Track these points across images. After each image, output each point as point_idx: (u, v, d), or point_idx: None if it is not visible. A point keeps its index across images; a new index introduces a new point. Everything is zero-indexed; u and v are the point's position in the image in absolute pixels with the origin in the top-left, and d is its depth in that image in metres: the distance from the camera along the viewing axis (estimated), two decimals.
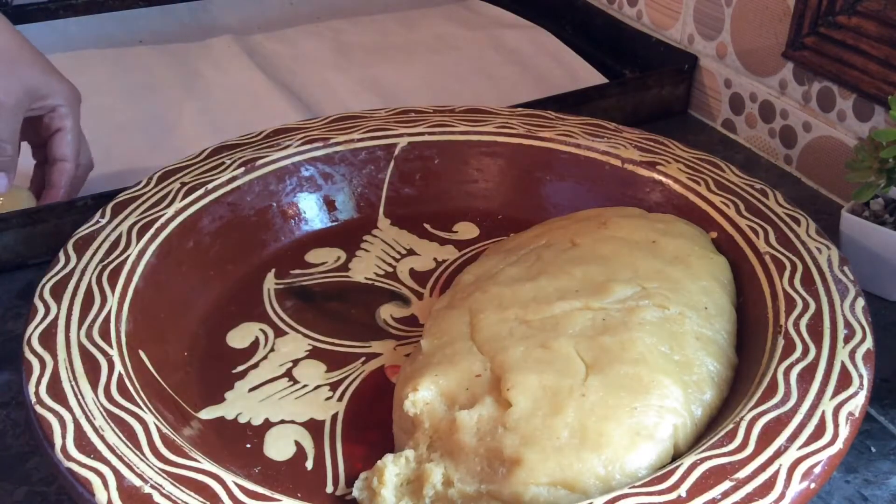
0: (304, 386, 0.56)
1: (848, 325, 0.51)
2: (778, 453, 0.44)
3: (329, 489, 0.49)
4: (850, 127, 0.75)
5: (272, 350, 0.59)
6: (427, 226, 0.70)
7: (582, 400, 0.46)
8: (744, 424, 0.45)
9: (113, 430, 0.45)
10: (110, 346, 0.51)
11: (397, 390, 0.52)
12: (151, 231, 0.60)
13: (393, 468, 0.46)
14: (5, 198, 0.72)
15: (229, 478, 0.43)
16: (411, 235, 0.69)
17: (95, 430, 0.45)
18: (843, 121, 0.75)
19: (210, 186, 0.64)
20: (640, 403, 0.46)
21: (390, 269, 0.66)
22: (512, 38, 1.05)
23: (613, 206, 0.66)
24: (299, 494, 0.48)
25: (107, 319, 0.53)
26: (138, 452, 0.44)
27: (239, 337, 0.60)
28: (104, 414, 0.46)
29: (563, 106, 0.80)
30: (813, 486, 0.42)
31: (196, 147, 0.69)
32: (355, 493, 0.48)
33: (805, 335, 0.51)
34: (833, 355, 0.49)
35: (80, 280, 0.55)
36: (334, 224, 0.70)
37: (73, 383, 0.48)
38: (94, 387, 0.48)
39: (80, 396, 0.47)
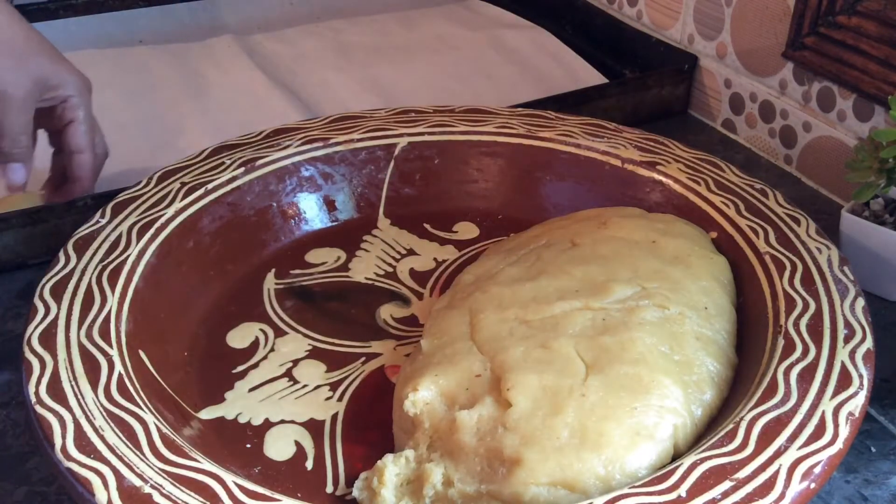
0: (304, 386, 0.56)
1: (848, 325, 0.51)
2: (778, 453, 0.44)
3: (329, 489, 0.49)
4: (850, 127, 0.75)
5: (272, 350, 0.59)
6: (427, 226, 0.70)
7: (582, 400, 0.46)
8: (744, 424, 0.45)
9: (113, 430, 0.45)
10: (110, 346, 0.51)
11: (397, 390, 0.52)
12: (151, 231, 0.60)
13: (393, 468, 0.46)
14: (7, 198, 0.72)
15: (229, 478, 0.43)
16: (411, 235, 0.69)
17: (95, 430, 0.45)
18: (843, 121, 0.75)
19: (210, 186, 0.64)
20: (640, 403, 0.46)
21: (390, 269, 0.66)
22: (512, 38, 1.05)
23: (613, 206, 0.66)
24: (299, 494, 0.48)
25: (107, 319, 0.53)
26: (138, 452, 0.44)
27: (239, 337, 0.60)
28: (104, 414, 0.46)
29: (563, 106, 0.80)
30: (813, 486, 0.42)
31: (196, 147, 0.69)
32: (355, 493, 0.48)
33: (805, 335, 0.51)
34: (833, 355, 0.49)
35: (80, 280, 0.55)
36: (334, 224, 0.70)
37: (73, 383, 0.48)
38: (94, 387, 0.48)
39: (80, 396, 0.47)
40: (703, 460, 0.43)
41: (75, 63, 0.67)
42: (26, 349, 0.49)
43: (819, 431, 0.45)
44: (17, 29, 0.64)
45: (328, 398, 0.55)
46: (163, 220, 0.61)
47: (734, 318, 0.55)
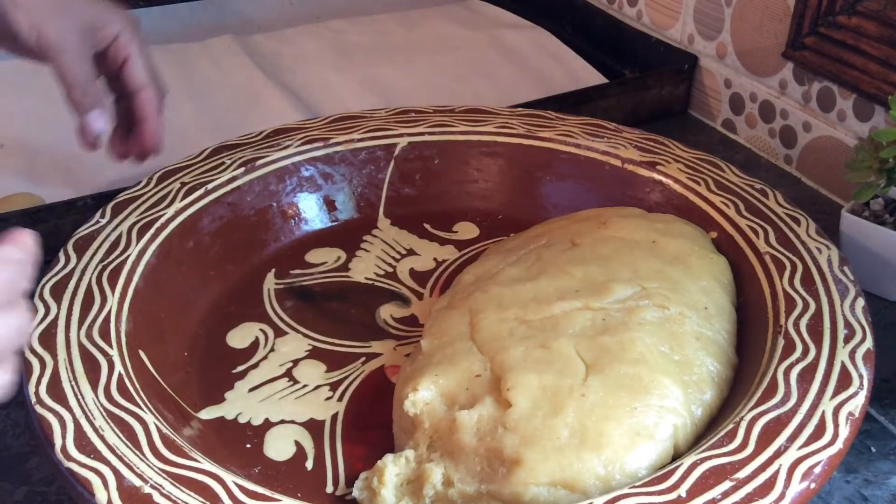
0: (304, 386, 0.56)
1: (848, 325, 0.51)
2: (778, 453, 0.44)
3: (329, 489, 0.49)
4: (850, 127, 0.75)
5: (272, 350, 0.59)
6: (427, 226, 0.70)
7: (582, 400, 0.46)
8: (744, 424, 0.45)
9: (113, 430, 0.45)
10: (110, 346, 0.51)
11: (397, 390, 0.52)
12: (151, 231, 0.60)
13: (393, 468, 0.46)
14: (7, 198, 0.72)
15: (229, 478, 0.43)
16: (411, 235, 0.69)
17: (95, 430, 0.45)
18: (843, 121, 0.75)
19: (210, 186, 0.64)
20: (640, 403, 0.46)
21: (390, 269, 0.66)
22: (512, 38, 1.05)
23: (613, 206, 0.66)
24: (299, 494, 0.48)
25: (107, 319, 0.53)
26: (138, 452, 0.44)
27: (239, 337, 0.60)
28: (104, 414, 0.46)
29: (563, 106, 0.80)
30: (813, 486, 0.42)
31: (196, 147, 0.69)
32: (355, 493, 0.48)
33: (805, 335, 0.51)
34: (833, 355, 0.49)
35: (80, 280, 0.55)
36: (334, 224, 0.70)
37: (73, 383, 0.48)
38: (94, 387, 0.48)
39: (80, 396, 0.47)
40: (703, 460, 0.43)
41: None
42: (26, 349, 0.49)
43: (819, 431, 0.45)
44: None
45: (328, 398, 0.55)
46: (163, 220, 0.61)
47: (734, 318, 0.55)
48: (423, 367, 0.51)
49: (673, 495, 0.41)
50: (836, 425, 0.45)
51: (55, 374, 0.48)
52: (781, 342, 0.51)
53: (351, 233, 0.69)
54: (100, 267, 0.56)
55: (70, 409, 0.46)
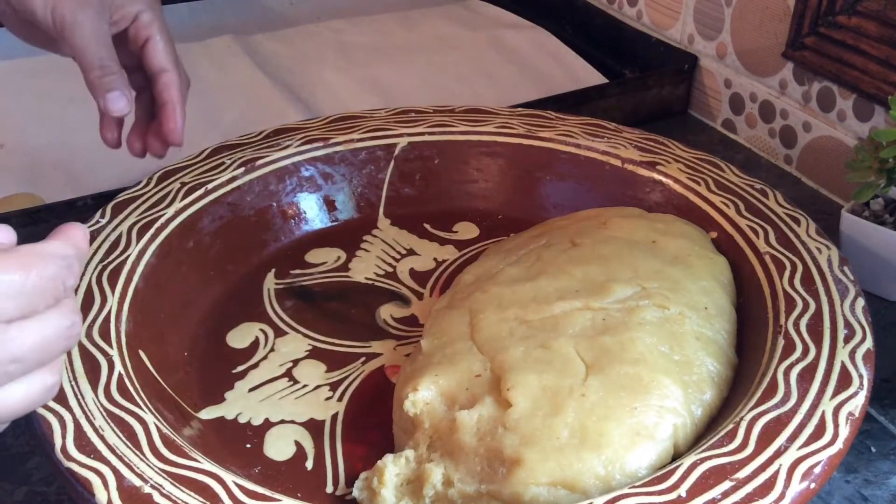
0: (304, 386, 0.56)
1: (848, 325, 0.51)
2: (778, 453, 0.44)
3: (329, 489, 0.49)
4: (850, 127, 0.75)
5: (272, 350, 0.59)
6: (427, 226, 0.70)
7: (582, 400, 0.46)
8: (744, 424, 0.45)
9: (113, 430, 0.45)
10: (110, 346, 0.51)
11: (397, 390, 0.52)
12: (151, 231, 0.60)
13: (393, 468, 0.46)
14: (7, 199, 0.72)
15: (229, 478, 0.43)
16: (411, 235, 0.69)
17: (95, 430, 0.45)
18: (843, 121, 0.75)
19: (210, 186, 0.64)
20: (640, 403, 0.46)
21: (390, 269, 0.66)
22: (512, 38, 1.05)
23: (613, 206, 0.66)
24: (299, 494, 0.48)
25: (107, 319, 0.53)
26: (138, 452, 0.44)
27: (239, 337, 0.60)
28: (104, 414, 0.46)
29: (563, 106, 0.80)
30: (813, 486, 0.42)
31: (196, 147, 0.69)
32: (355, 493, 0.48)
33: (805, 335, 0.51)
34: (833, 355, 0.49)
35: (80, 280, 0.55)
36: (334, 224, 0.70)
37: (73, 383, 0.48)
38: (94, 387, 0.48)
39: (80, 396, 0.47)
40: (703, 460, 0.43)
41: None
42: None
43: (819, 431, 0.45)
44: None
45: (328, 398, 0.55)
46: (163, 220, 0.61)
47: (734, 318, 0.55)
48: (423, 367, 0.51)
49: (673, 495, 0.41)
50: (836, 425, 0.45)
51: None
52: (781, 342, 0.51)
53: (351, 233, 0.69)
54: (100, 267, 0.56)
55: (70, 409, 0.46)
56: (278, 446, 0.52)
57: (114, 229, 0.59)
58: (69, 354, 0.49)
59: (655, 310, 0.52)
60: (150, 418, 0.46)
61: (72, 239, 0.36)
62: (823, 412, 0.46)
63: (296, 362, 0.58)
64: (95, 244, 0.58)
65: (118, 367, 0.49)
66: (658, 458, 0.45)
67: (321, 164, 0.69)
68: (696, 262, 0.57)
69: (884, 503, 0.51)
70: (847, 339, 0.50)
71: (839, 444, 0.44)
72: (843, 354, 0.49)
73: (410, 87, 0.95)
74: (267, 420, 0.53)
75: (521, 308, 0.53)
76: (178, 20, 1.07)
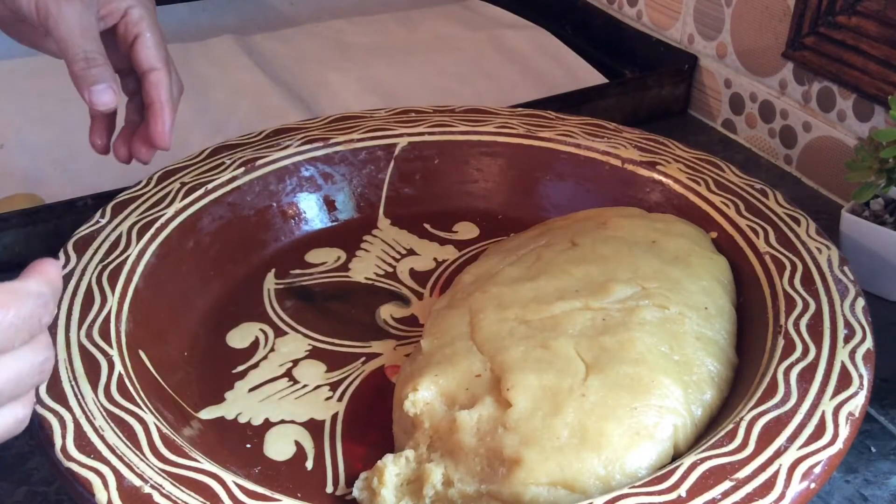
0: (304, 386, 0.56)
1: (848, 325, 0.51)
2: (778, 453, 0.44)
3: (329, 489, 0.49)
4: (850, 127, 0.75)
5: (272, 350, 0.59)
6: (427, 226, 0.70)
7: (582, 400, 0.46)
8: (744, 424, 0.45)
9: (113, 430, 0.45)
10: (110, 346, 0.51)
11: (397, 390, 0.52)
12: (151, 231, 0.60)
13: (393, 468, 0.46)
14: (7, 199, 0.72)
15: (229, 478, 0.43)
16: (411, 235, 0.69)
17: (95, 430, 0.45)
18: (843, 121, 0.75)
19: (210, 186, 0.64)
20: (640, 403, 0.46)
21: (390, 269, 0.66)
22: (512, 38, 1.05)
23: (613, 206, 0.66)
24: (299, 494, 0.48)
25: (107, 319, 0.53)
26: (138, 452, 0.44)
27: (239, 337, 0.60)
28: (104, 414, 0.46)
29: (563, 106, 0.80)
30: (813, 486, 0.42)
31: (196, 147, 0.69)
32: (355, 493, 0.48)
33: (805, 335, 0.51)
34: (833, 355, 0.49)
35: (80, 280, 0.55)
36: (334, 224, 0.70)
37: (73, 383, 0.48)
38: (94, 387, 0.48)
39: (80, 396, 0.47)
40: (703, 460, 0.43)
41: None
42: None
43: (819, 431, 0.45)
44: None
45: (328, 398, 0.55)
46: (163, 220, 0.61)
47: (734, 318, 0.55)
48: (423, 367, 0.51)
49: (673, 495, 0.41)
50: (836, 425, 0.45)
51: (55, 374, 0.48)
52: (781, 342, 0.51)
53: (351, 233, 0.69)
54: (100, 267, 0.56)
55: (70, 409, 0.46)
56: (278, 446, 0.52)
57: (114, 229, 0.59)
58: (69, 355, 0.49)
59: (655, 310, 0.52)
60: (150, 418, 0.46)
61: (46, 275, 0.37)
62: (823, 412, 0.46)
63: (296, 362, 0.58)
64: (95, 244, 0.58)
65: (118, 367, 0.49)
66: (658, 458, 0.45)
67: (321, 164, 0.69)
68: (696, 262, 0.57)
69: (884, 503, 0.51)
70: (847, 339, 0.50)
71: (839, 444, 0.44)
72: (843, 354, 0.49)
73: (410, 87, 0.95)
74: (267, 420, 0.53)
75: (521, 308, 0.53)
76: (178, 20, 1.07)
